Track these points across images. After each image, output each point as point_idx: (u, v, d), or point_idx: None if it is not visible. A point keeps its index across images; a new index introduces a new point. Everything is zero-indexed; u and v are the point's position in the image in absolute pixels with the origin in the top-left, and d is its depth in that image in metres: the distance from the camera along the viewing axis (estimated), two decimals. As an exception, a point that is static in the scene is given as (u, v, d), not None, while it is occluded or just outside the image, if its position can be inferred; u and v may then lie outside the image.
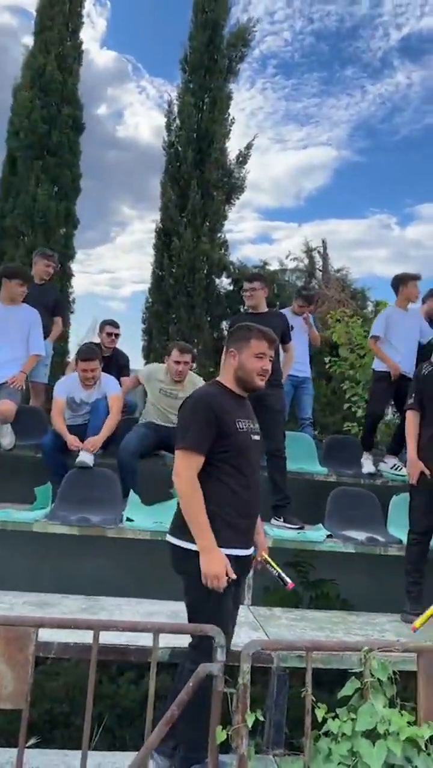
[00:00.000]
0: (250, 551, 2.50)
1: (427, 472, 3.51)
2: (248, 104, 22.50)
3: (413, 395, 3.74)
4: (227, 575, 2.23)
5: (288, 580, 2.84)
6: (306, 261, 12.12)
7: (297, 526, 4.10)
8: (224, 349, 2.60)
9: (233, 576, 2.27)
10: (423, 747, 1.98)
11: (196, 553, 2.27)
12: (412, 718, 2.05)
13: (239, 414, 2.42)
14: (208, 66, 9.81)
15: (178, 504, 2.42)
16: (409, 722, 2.01)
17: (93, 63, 18.80)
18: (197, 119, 9.76)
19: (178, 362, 4.39)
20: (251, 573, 2.89)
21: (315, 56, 21.90)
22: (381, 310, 5.80)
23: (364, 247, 23.91)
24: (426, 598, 3.47)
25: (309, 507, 4.51)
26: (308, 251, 12.03)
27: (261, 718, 2.01)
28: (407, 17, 22.68)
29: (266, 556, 2.74)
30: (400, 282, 4.96)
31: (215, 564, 2.23)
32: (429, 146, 23.21)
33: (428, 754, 2.00)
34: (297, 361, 5.30)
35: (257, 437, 2.49)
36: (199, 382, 4.51)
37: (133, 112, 21.58)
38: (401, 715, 2.02)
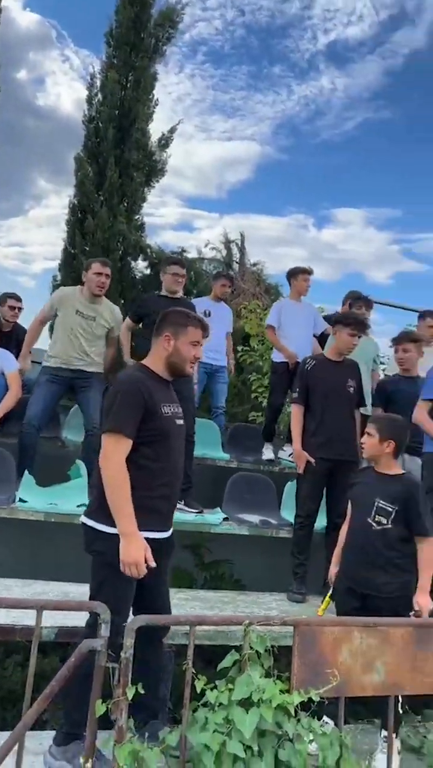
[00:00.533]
0: (169, 533, 2.53)
1: (312, 461, 3.71)
2: (175, 89, 22.27)
3: (297, 390, 3.89)
4: (146, 562, 2.24)
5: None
6: (224, 252, 12.27)
7: (197, 510, 4.19)
8: (156, 332, 2.53)
9: (153, 564, 2.27)
10: (292, 713, 2.10)
11: (108, 536, 2.27)
12: (286, 687, 2.18)
13: (164, 399, 2.42)
14: (134, 43, 9.58)
15: (97, 487, 2.37)
16: (282, 691, 2.14)
17: (14, 23, 17.75)
18: (120, 96, 9.51)
19: (99, 273, 4.23)
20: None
21: (245, 49, 22.05)
22: None
23: (282, 244, 24.56)
24: (311, 579, 3.68)
25: (211, 491, 4.62)
26: (227, 243, 12.19)
27: (142, 691, 2.05)
28: (334, 23, 23.38)
29: None
30: (291, 276, 5.21)
31: (134, 550, 2.22)
32: (347, 153, 24.16)
33: (298, 720, 2.14)
34: (213, 349, 5.28)
35: (180, 422, 2.50)
36: (116, 309, 4.43)
37: (56, 81, 20.73)
38: (276, 684, 2.14)
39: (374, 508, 2.83)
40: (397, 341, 4.38)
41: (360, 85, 25.20)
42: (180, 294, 4.51)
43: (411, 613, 2.79)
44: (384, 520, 2.81)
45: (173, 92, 23.29)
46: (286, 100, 25.05)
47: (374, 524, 2.82)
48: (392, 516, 2.80)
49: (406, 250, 28.46)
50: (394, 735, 2.72)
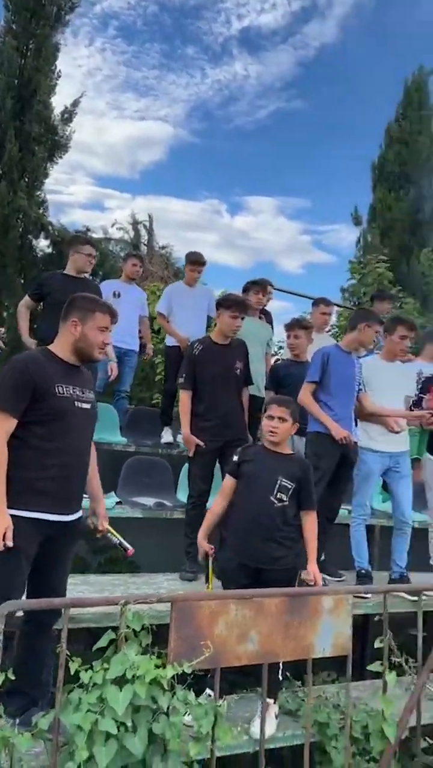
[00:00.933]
0: (70, 517, 2.49)
1: (202, 444, 3.78)
2: (85, 62, 21.46)
3: (184, 375, 3.91)
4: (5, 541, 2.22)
5: (128, 546, 2.90)
6: (132, 233, 12.08)
7: (87, 495, 4.14)
8: (63, 317, 2.51)
9: (9, 543, 2.24)
10: (167, 687, 2.15)
11: None
12: (161, 662, 2.22)
13: (62, 380, 2.41)
14: (35, 9, 9.13)
15: None
16: (157, 666, 2.17)
17: None
18: (20, 65, 9.05)
19: None
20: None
21: (157, 26, 21.63)
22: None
23: (196, 229, 24.55)
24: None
25: (108, 476, 4.55)
26: (134, 224, 12.00)
27: (12, 677, 2.02)
28: (248, 9, 23.47)
29: (107, 526, 2.80)
30: (186, 260, 5.33)
31: None
32: (260, 140, 24.47)
33: (173, 694, 2.19)
34: (122, 332, 5.14)
35: (85, 405, 2.49)
36: None
37: None
38: (151, 660, 2.18)
39: (277, 486, 2.94)
40: (289, 328, 4.54)
41: (273, 74, 25.57)
42: (84, 275, 4.40)
43: (307, 581, 2.99)
44: (285, 497, 2.94)
45: (83, 65, 22.44)
46: (200, 83, 24.94)
47: (276, 501, 2.93)
48: (290, 493, 2.95)
49: (316, 240, 29.42)
50: (272, 700, 2.89)
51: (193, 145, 24.25)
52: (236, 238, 27.63)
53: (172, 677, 2.19)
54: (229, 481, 3.10)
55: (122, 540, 2.91)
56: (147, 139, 24.58)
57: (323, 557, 4.11)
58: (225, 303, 3.89)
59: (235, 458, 3.08)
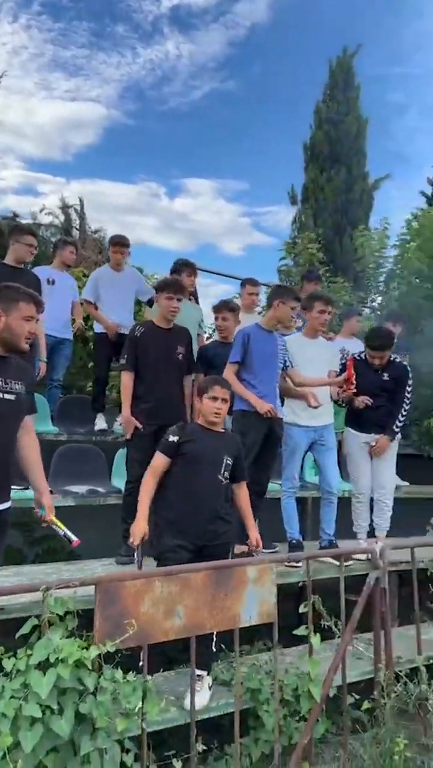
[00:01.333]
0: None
1: (140, 426, 3.79)
2: (10, 39, 20.54)
3: (126, 356, 3.90)
4: None
5: (74, 537, 2.86)
6: (62, 218, 11.77)
7: (21, 487, 4.07)
8: None
9: None
10: (92, 667, 2.17)
11: None
12: (87, 644, 2.24)
13: None
14: None
15: None
16: (82, 648, 2.19)
17: None
18: None
19: None
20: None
21: (84, 3, 20.92)
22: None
23: (134, 213, 24.13)
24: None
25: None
26: (64, 208, 11.69)
27: None
28: (174, -14, 23.00)
29: (53, 517, 2.76)
30: (109, 243, 5.28)
31: None
32: (195, 122, 24.20)
33: (100, 675, 2.22)
34: (56, 320, 5.05)
35: (8, 396, 2.47)
36: None
37: None
38: (75, 642, 2.19)
39: (223, 465, 3.03)
40: (216, 310, 4.58)
41: (206, 54, 25.27)
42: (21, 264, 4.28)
43: (252, 550, 3.19)
44: (228, 475, 3.04)
45: (8, 43, 21.45)
46: (131, 63, 24.34)
47: (222, 480, 3.02)
48: (230, 470, 3.05)
49: (255, 222, 29.53)
50: (206, 672, 2.96)
51: (127, 126, 23.74)
52: (175, 221, 27.39)
53: (101, 658, 2.22)
54: (162, 460, 3.04)
55: (67, 531, 2.89)
56: (79, 121, 23.87)
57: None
58: (160, 286, 3.95)
59: (173, 438, 3.03)
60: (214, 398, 3.05)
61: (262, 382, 3.82)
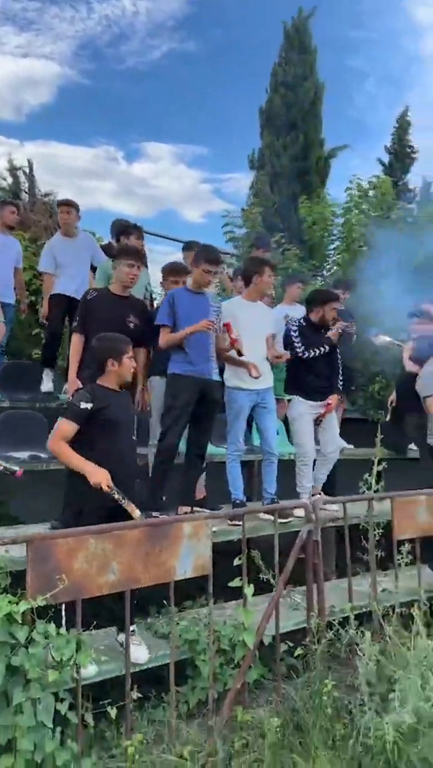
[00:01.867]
0: None
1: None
2: None
3: (78, 318, 3.90)
4: None
5: (15, 468, 2.94)
6: (10, 180, 11.31)
7: (-37, 450, 4.03)
8: None
9: None
10: (23, 621, 2.21)
11: None
12: (17, 600, 2.27)
13: None
14: None
15: None
16: (12, 602, 2.22)
17: None
18: None
19: None
20: None
21: None
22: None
23: (91, 177, 23.37)
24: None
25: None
26: (12, 170, 11.21)
27: None
28: None
29: None
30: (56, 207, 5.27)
31: None
32: (154, 83, 23.38)
33: (32, 629, 2.26)
34: None
35: None
36: None
37: None
38: (4, 598, 2.22)
39: (135, 424, 3.14)
40: (165, 273, 4.54)
41: (164, 12, 24.32)
42: None
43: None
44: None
45: None
46: (86, 19, 23.18)
47: (135, 439, 3.14)
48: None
49: (216, 189, 29.03)
50: (142, 626, 3.05)
51: (83, 86, 22.72)
52: (134, 186, 26.68)
53: (34, 612, 2.26)
54: (72, 428, 2.92)
55: (5, 464, 2.89)
56: (32, 79, 22.74)
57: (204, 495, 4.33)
58: (121, 252, 3.93)
59: (86, 405, 2.91)
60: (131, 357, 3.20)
61: (191, 345, 3.83)
